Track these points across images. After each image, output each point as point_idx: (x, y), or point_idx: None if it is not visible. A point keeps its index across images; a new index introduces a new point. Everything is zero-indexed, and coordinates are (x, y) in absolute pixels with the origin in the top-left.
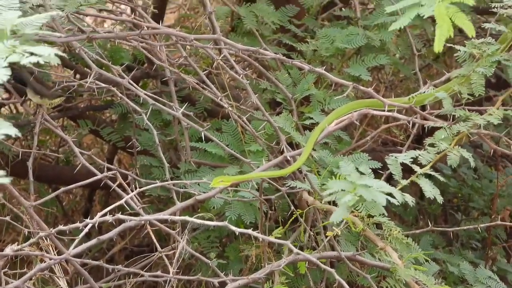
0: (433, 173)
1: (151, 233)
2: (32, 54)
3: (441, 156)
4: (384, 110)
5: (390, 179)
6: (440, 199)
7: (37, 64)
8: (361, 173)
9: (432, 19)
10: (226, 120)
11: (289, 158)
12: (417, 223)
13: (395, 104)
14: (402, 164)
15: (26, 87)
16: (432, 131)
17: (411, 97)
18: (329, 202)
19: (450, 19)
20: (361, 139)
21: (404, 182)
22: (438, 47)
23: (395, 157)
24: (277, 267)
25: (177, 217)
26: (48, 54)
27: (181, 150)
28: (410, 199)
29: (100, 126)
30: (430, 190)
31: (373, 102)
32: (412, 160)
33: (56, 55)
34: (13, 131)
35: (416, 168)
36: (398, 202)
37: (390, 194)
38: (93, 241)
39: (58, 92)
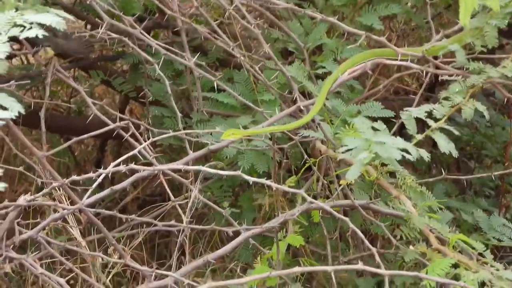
0: (447, 126)
1: (164, 182)
2: (32, 24)
3: (455, 109)
4: (397, 60)
5: (402, 128)
6: (455, 153)
7: None
8: (376, 130)
9: None
10: (238, 70)
11: (302, 107)
12: (430, 172)
13: (408, 53)
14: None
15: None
16: (444, 80)
17: (424, 50)
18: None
19: None
20: (373, 88)
21: (419, 137)
22: (463, 20)
23: (409, 112)
24: (291, 216)
25: (190, 167)
26: (51, 22)
27: (193, 100)
28: (425, 154)
29: (112, 76)
30: (445, 145)
31: (386, 51)
32: (426, 114)
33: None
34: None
35: (430, 122)
36: (413, 158)
37: (405, 150)
38: (106, 191)
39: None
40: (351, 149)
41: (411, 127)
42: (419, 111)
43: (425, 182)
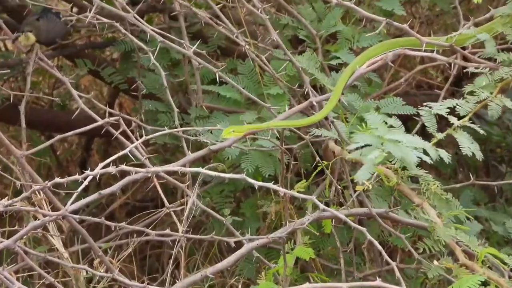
0: (472, 125)
1: (157, 186)
2: None
3: (481, 106)
4: (421, 50)
5: (425, 127)
6: (479, 155)
7: None
8: (391, 126)
9: None
10: (243, 60)
11: (315, 103)
12: (456, 176)
13: (434, 42)
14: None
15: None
16: (473, 73)
17: (450, 37)
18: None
19: None
20: (393, 81)
21: (440, 136)
22: None
23: (429, 108)
24: (300, 225)
25: (188, 169)
26: None
27: (192, 94)
28: (445, 155)
29: (101, 66)
30: (469, 146)
31: (408, 40)
32: (448, 111)
33: None
34: None
35: (453, 119)
36: (431, 160)
37: (423, 150)
38: (93, 196)
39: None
40: (361, 147)
41: (431, 125)
42: (441, 107)
43: (451, 189)
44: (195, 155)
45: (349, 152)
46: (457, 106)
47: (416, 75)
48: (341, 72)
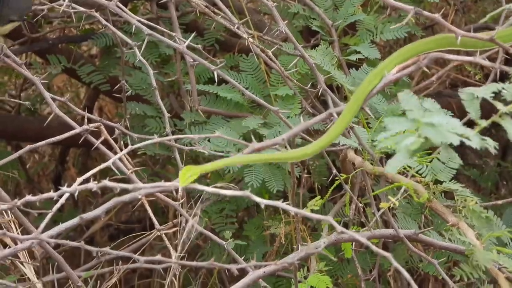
0: None
1: (147, 206)
2: None
3: None
4: (461, 53)
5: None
6: None
7: None
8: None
9: None
10: (245, 55)
11: (335, 115)
12: (497, 192)
13: (471, 35)
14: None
15: None
16: None
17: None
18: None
19: None
20: (423, 79)
21: (484, 123)
22: None
23: (472, 92)
24: (314, 249)
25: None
26: None
27: (185, 95)
28: (492, 144)
29: (77, 63)
30: None
31: (445, 38)
32: (493, 95)
33: None
34: None
35: (499, 105)
36: (475, 146)
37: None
38: (74, 220)
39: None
40: (394, 136)
41: (473, 110)
42: (485, 91)
43: (492, 206)
44: None
45: (377, 143)
46: (503, 90)
47: (450, 72)
48: (362, 70)
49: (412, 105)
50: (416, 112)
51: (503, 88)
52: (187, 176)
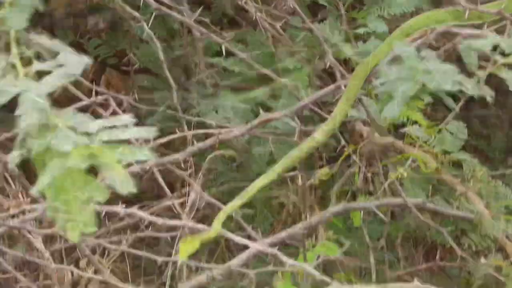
0: None
1: (159, 178)
2: None
3: None
4: (472, 27)
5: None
6: None
7: None
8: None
9: None
10: (253, 29)
11: (343, 87)
12: (505, 161)
13: (481, 9)
14: None
15: None
16: None
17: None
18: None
19: None
20: None
21: (481, 74)
22: None
23: (469, 42)
24: (323, 218)
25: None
26: None
27: (193, 69)
28: (488, 93)
29: (84, 37)
30: None
31: (453, 13)
32: (490, 48)
33: None
34: None
35: (497, 57)
36: (471, 93)
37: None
38: None
39: None
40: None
41: (471, 60)
42: (484, 43)
43: (500, 175)
44: (200, 145)
45: (374, 89)
46: (501, 43)
47: (457, 45)
48: (369, 43)
49: (409, 54)
50: (413, 59)
51: (501, 41)
52: (185, 249)
